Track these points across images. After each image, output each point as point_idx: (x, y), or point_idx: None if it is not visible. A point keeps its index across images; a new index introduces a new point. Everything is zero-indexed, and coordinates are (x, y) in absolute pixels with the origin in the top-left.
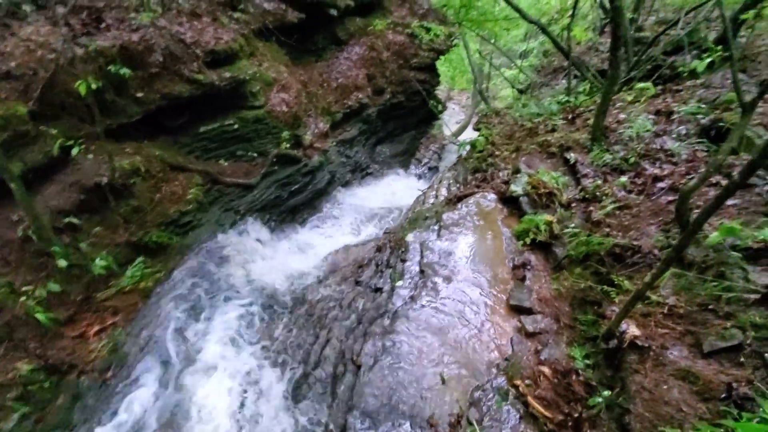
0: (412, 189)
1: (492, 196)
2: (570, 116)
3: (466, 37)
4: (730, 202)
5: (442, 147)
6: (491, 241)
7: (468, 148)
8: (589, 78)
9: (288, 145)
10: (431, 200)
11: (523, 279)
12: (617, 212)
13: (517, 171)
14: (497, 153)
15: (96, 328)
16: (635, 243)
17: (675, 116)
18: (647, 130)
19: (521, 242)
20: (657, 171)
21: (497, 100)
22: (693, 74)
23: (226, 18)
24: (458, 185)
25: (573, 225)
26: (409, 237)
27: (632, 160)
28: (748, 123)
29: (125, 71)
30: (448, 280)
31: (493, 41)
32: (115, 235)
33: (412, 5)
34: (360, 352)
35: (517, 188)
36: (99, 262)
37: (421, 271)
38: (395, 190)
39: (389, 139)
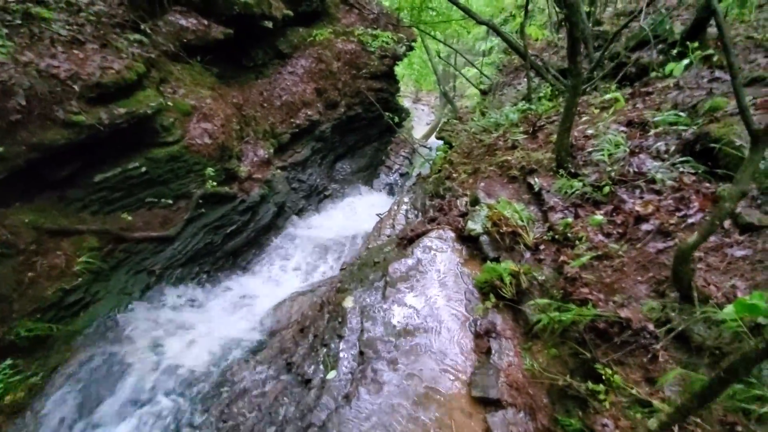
0: (377, 207)
1: (449, 234)
2: (531, 128)
3: (425, 39)
4: (739, 252)
5: (413, 151)
6: (448, 298)
7: (427, 167)
8: (549, 80)
9: (215, 183)
10: (387, 231)
11: (488, 352)
12: (595, 263)
13: (475, 201)
14: (454, 175)
15: None
16: (622, 315)
17: (650, 128)
18: (619, 147)
19: (484, 302)
20: (639, 207)
21: (465, 98)
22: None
23: (122, 42)
24: (416, 211)
25: (543, 277)
26: (348, 302)
27: (606, 189)
28: (761, 157)
29: None
30: (393, 364)
31: (454, 41)
32: None
33: (362, 11)
34: None
35: (475, 226)
36: None
37: (361, 353)
38: (357, 212)
39: (350, 154)
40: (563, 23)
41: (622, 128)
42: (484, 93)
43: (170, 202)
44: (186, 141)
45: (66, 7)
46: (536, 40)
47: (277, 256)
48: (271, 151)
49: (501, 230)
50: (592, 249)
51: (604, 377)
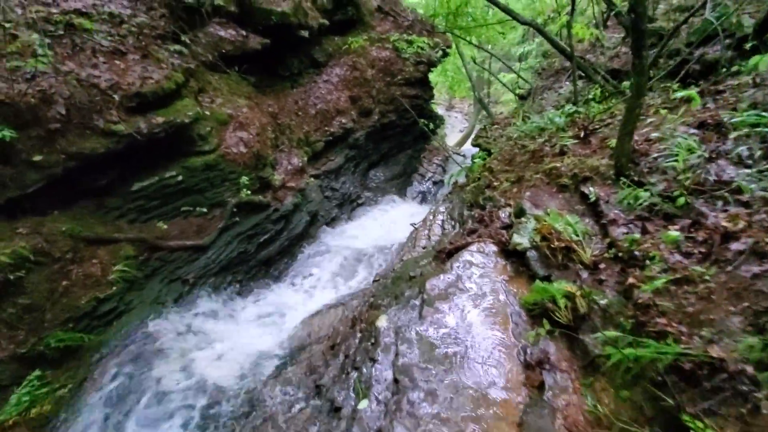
0: (411, 215)
1: (491, 248)
2: (582, 133)
3: (459, 45)
4: None
5: (446, 159)
6: (492, 320)
7: (463, 175)
8: (598, 81)
9: (249, 191)
10: (422, 242)
11: (541, 387)
12: (673, 288)
13: (521, 212)
14: (495, 184)
15: None
16: (713, 355)
17: (728, 131)
18: (693, 152)
19: (534, 327)
20: (725, 222)
21: (500, 105)
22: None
23: (163, 53)
24: (453, 222)
25: (605, 301)
26: (382, 321)
27: (681, 200)
28: None
29: (6, 133)
30: (432, 396)
31: (490, 47)
32: None
33: (396, 18)
34: None
35: (522, 240)
36: None
37: (395, 380)
38: (391, 221)
39: (383, 162)
40: (608, 20)
41: (693, 131)
42: (522, 98)
43: (205, 210)
44: (222, 150)
45: (109, 19)
46: (581, 40)
47: (309, 266)
48: (305, 159)
49: (552, 245)
50: (668, 271)
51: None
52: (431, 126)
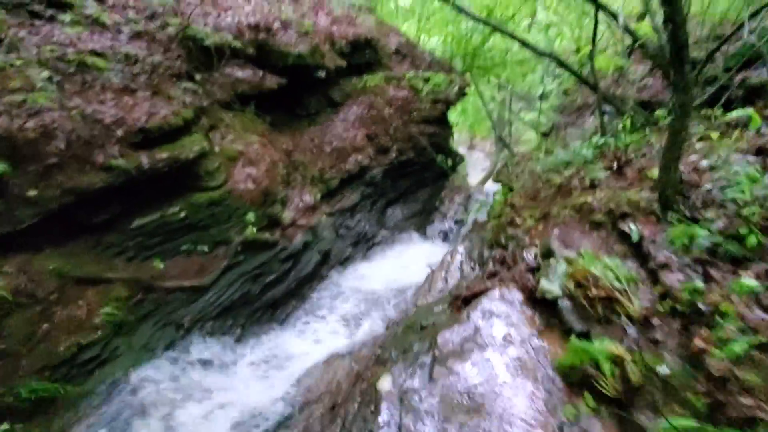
0: (430, 256)
1: (515, 294)
2: (615, 164)
3: (479, 84)
4: None
5: (468, 197)
6: (518, 386)
7: (483, 212)
8: (626, 111)
9: (255, 229)
10: (439, 284)
11: None
12: (757, 354)
13: (548, 252)
14: (518, 220)
15: None
16: None
17: None
18: (758, 183)
19: (572, 399)
20: None
21: (521, 144)
22: None
23: (176, 91)
24: (472, 263)
25: (666, 370)
26: (385, 383)
27: (752, 239)
28: None
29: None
30: None
31: (509, 87)
32: None
33: (415, 59)
34: None
35: (552, 286)
36: None
37: None
38: (407, 263)
39: (402, 200)
40: (632, 52)
41: (751, 158)
42: (545, 135)
43: (206, 249)
44: (229, 185)
45: (123, 60)
46: (603, 76)
47: (318, 309)
48: (319, 196)
49: (589, 293)
50: (748, 331)
51: None
52: (450, 163)
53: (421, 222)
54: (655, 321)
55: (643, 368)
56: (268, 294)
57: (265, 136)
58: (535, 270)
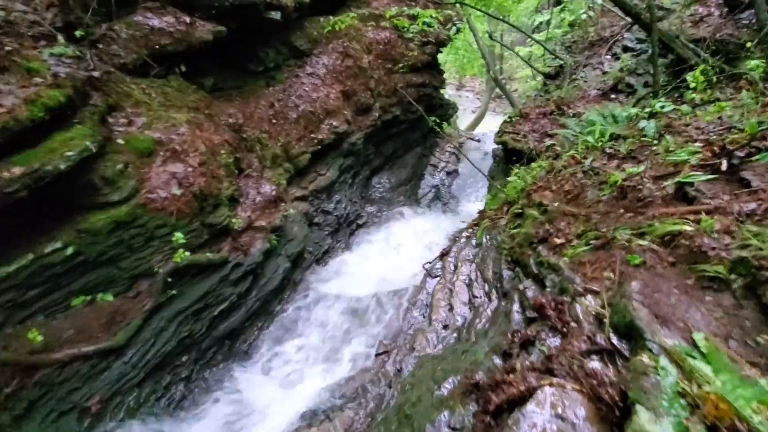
0: (423, 234)
1: (576, 405)
2: (724, 161)
3: (471, 18)
4: None
5: (461, 144)
6: None
7: (494, 201)
8: (698, 62)
9: (190, 251)
10: (442, 314)
11: None
12: None
13: (629, 327)
14: (557, 239)
15: None
16: None
17: None
18: None
19: None
20: None
21: (515, 81)
22: None
23: (39, 61)
24: (485, 286)
25: None
26: None
27: None
28: None
29: None
30: None
31: (503, 17)
32: None
33: None
34: None
35: (656, 419)
36: None
37: None
38: (399, 248)
39: (388, 166)
40: None
41: None
42: (549, 77)
43: (117, 291)
44: (142, 196)
45: None
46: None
47: (290, 329)
48: (284, 181)
49: None
50: None
51: None
52: (444, 115)
53: (412, 188)
54: None
55: None
56: (220, 327)
57: (200, 110)
58: (602, 353)
